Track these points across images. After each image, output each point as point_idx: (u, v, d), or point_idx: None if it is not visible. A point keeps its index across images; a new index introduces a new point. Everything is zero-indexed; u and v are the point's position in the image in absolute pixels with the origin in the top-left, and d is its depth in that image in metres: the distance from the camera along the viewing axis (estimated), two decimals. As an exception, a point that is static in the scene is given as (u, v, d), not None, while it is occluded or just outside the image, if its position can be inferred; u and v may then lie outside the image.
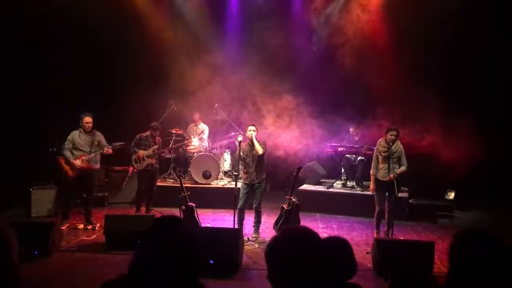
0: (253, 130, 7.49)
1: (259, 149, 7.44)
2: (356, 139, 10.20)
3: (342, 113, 10.08)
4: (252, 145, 7.49)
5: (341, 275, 2.49)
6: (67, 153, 8.01)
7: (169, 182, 10.35)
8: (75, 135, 8.11)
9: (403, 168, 7.35)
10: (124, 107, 10.07)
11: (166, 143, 9.90)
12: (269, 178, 10.19)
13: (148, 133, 8.87)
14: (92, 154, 8.13)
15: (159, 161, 9.24)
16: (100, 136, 8.28)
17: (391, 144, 7.29)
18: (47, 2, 9.12)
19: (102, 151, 8.19)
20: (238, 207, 7.46)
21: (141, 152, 8.71)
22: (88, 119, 8.08)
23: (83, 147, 8.10)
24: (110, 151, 8.28)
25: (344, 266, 2.57)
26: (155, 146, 8.83)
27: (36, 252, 6.14)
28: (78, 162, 7.99)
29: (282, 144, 8.49)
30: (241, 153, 7.57)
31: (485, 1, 9.80)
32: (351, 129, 10.28)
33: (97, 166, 8.37)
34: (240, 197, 7.54)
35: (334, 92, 10.55)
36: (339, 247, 2.64)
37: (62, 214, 8.23)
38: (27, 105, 9.82)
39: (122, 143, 8.50)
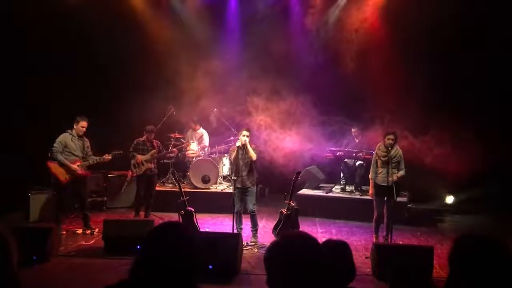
0: (247, 136, 7.49)
1: (253, 155, 7.44)
2: (357, 141, 10.18)
3: (342, 117, 10.08)
4: (244, 149, 7.49)
5: (341, 279, 2.49)
6: (61, 157, 7.77)
7: (168, 187, 10.34)
8: (67, 139, 7.90)
9: (401, 172, 7.38)
10: (122, 112, 10.05)
11: (166, 148, 9.87)
12: (268, 182, 10.20)
13: (144, 137, 8.88)
14: (90, 161, 8.05)
15: (158, 165, 9.23)
16: (88, 142, 8.17)
17: (390, 148, 7.31)
18: (48, 6, 9.16)
19: (101, 158, 8.12)
20: (235, 210, 7.46)
21: (140, 157, 8.71)
22: (84, 124, 7.92)
23: (75, 151, 7.93)
24: (109, 158, 8.22)
25: (344, 270, 2.57)
26: (153, 151, 8.83)
27: (34, 257, 6.13)
28: (76, 167, 7.85)
29: (282, 148, 8.49)
30: (238, 157, 7.58)
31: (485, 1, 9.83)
32: (353, 130, 10.27)
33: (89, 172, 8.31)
34: (235, 200, 7.53)
35: (334, 96, 10.54)
36: (338, 251, 2.64)
37: (55, 220, 7.95)
38: (26, 107, 9.82)
39: (120, 152, 8.42)
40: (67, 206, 8.39)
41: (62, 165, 7.80)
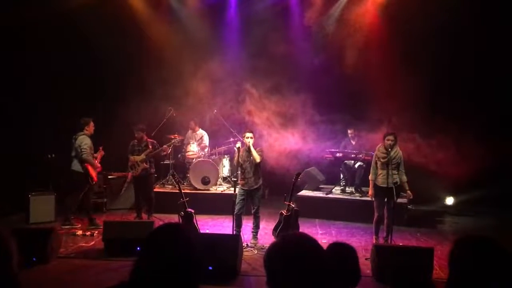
0: (251, 137, 7.50)
1: (257, 157, 7.45)
2: (353, 143, 10.19)
3: (342, 118, 10.09)
4: (249, 151, 7.50)
5: (343, 282, 2.48)
6: (91, 158, 8.37)
7: (168, 188, 10.32)
8: (89, 140, 8.39)
9: (404, 177, 7.41)
10: (122, 112, 10.03)
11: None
12: (268, 183, 10.18)
13: (135, 137, 8.91)
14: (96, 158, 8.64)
15: (158, 167, 9.22)
16: None
17: (389, 149, 7.30)
18: (48, 6, 9.17)
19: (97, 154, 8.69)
20: (235, 212, 7.45)
21: (134, 158, 8.77)
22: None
23: (92, 151, 8.52)
24: (103, 152, 8.79)
25: (347, 273, 2.56)
26: (148, 150, 8.80)
27: (34, 259, 6.12)
28: (99, 165, 8.62)
29: (281, 149, 8.49)
30: (239, 160, 7.58)
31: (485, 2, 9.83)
32: (349, 131, 10.27)
33: None
34: (236, 202, 7.52)
35: (335, 97, 10.54)
36: (343, 254, 2.62)
37: (89, 218, 8.56)
38: (26, 107, 9.82)
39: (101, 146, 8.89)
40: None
41: (92, 165, 8.41)
